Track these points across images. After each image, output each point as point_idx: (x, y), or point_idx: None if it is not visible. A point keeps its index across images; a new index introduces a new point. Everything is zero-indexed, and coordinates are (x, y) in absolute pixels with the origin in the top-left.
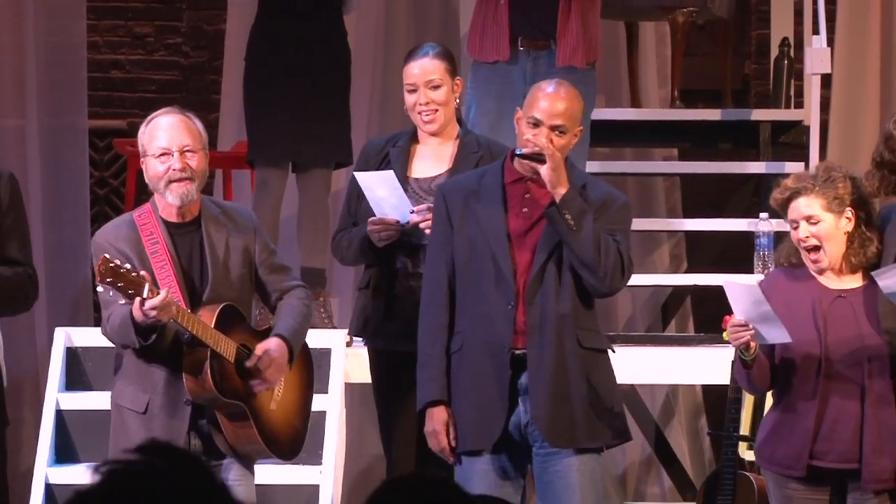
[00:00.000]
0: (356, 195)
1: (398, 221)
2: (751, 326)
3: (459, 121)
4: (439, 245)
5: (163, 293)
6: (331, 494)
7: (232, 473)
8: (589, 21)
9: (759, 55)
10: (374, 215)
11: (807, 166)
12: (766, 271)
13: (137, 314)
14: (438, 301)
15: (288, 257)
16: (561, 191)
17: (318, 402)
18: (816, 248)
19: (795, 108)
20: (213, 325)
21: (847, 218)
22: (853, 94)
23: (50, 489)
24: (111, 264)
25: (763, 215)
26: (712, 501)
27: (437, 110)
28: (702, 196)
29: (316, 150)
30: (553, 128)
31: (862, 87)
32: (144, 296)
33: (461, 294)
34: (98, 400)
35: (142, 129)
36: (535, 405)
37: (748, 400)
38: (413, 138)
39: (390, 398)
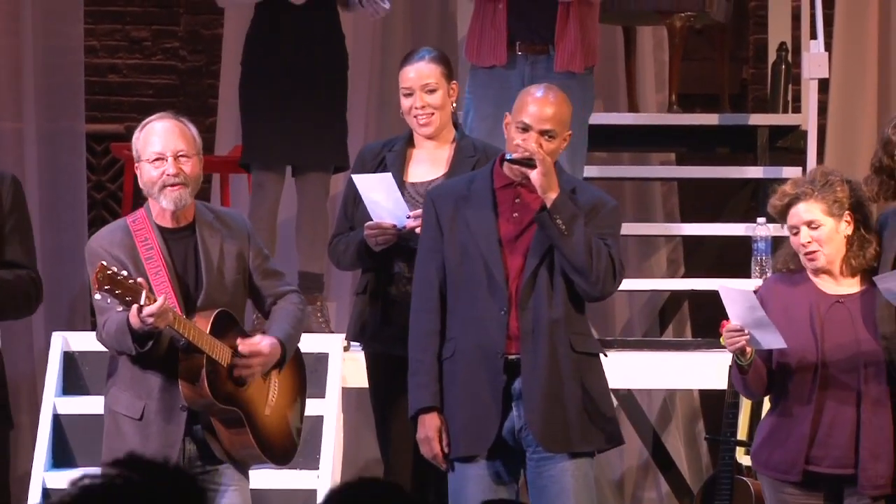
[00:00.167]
0: (353, 199)
1: (395, 226)
2: (746, 331)
3: (456, 125)
4: (429, 251)
5: (160, 300)
6: None
7: (227, 479)
8: (587, 26)
9: (757, 60)
10: (371, 219)
11: (804, 171)
12: (763, 276)
13: (135, 321)
14: (429, 307)
15: (286, 261)
16: (552, 195)
17: (315, 407)
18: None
19: (793, 112)
20: (208, 331)
21: (846, 221)
22: (851, 99)
23: (47, 493)
24: (109, 272)
25: (760, 220)
26: None
27: (432, 114)
28: (699, 201)
29: (313, 153)
30: (542, 132)
31: (859, 92)
32: (142, 303)
33: (453, 300)
34: (95, 404)
35: (136, 133)
36: (529, 410)
37: (745, 405)
38: (409, 142)
39: (387, 402)
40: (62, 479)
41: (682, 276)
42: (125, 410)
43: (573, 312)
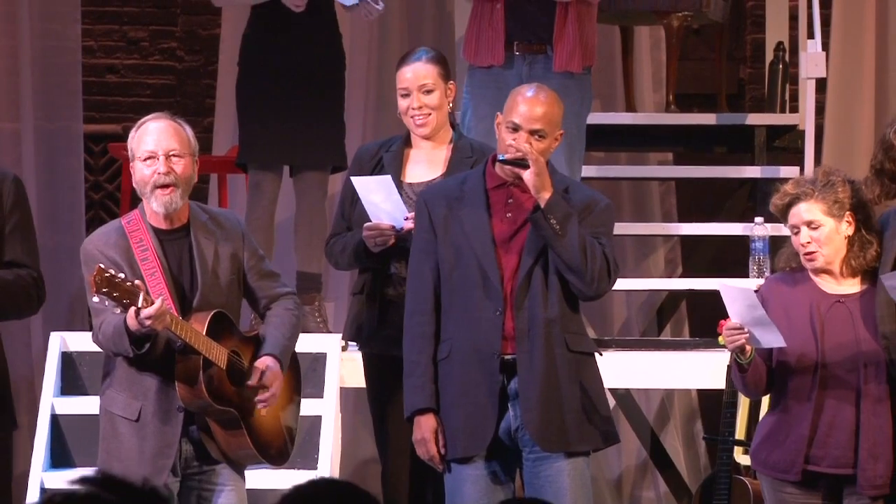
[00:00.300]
0: (350, 199)
1: (393, 227)
2: (746, 330)
3: (453, 125)
4: (422, 252)
5: (158, 302)
6: None
7: (223, 479)
8: (586, 26)
9: (754, 59)
10: (368, 220)
11: (802, 170)
12: (761, 276)
13: (132, 323)
14: (424, 309)
15: (284, 261)
16: (545, 195)
17: (313, 407)
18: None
19: (790, 112)
20: (204, 332)
21: (847, 222)
22: (848, 99)
23: (45, 493)
24: (106, 274)
25: (758, 219)
26: None
27: (429, 114)
28: (697, 200)
29: (311, 153)
30: (532, 132)
31: (857, 92)
32: (139, 305)
33: (447, 301)
34: (93, 404)
35: (131, 133)
36: (526, 410)
37: (744, 404)
38: (406, 143)
39: (384, 403)
40: (60, 480)
41: (680, 276)
42: (121, 412)
43: (568, 312)
